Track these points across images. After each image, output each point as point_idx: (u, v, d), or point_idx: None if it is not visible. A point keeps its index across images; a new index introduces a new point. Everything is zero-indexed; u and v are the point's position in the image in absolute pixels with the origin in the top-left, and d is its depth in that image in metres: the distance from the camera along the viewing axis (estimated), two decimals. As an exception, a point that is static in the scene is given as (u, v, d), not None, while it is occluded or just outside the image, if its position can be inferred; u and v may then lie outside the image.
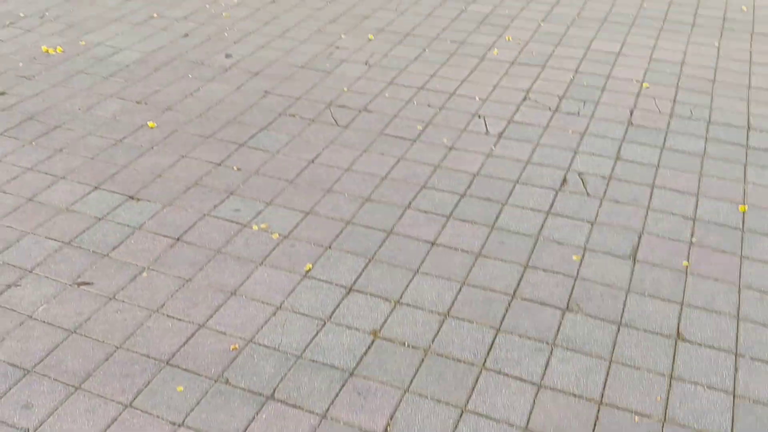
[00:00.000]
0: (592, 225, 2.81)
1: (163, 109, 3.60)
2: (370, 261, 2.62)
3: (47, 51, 4.16)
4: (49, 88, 3.78)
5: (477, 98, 3.73)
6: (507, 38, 4.39)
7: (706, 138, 3.38)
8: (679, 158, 3.23)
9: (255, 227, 2.78)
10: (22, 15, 4.66)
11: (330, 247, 2.68)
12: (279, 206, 2.90)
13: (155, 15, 4.70)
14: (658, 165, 3.18)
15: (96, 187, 3.00)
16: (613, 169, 3.15)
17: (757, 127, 3.47)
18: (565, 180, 3.08)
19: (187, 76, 3.93)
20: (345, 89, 3.81)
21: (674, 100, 3.70)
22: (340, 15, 4.73)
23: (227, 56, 4.17)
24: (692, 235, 2.76)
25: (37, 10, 4.74)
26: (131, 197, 2.94)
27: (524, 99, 3.72)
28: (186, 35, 4.42)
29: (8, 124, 3.44)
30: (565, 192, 3.00)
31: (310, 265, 2.59)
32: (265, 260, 2.61)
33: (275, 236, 2.74)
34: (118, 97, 3.71)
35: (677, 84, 3.86)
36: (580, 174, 3.12)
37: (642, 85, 3.84)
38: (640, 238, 2.75)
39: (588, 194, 2.99)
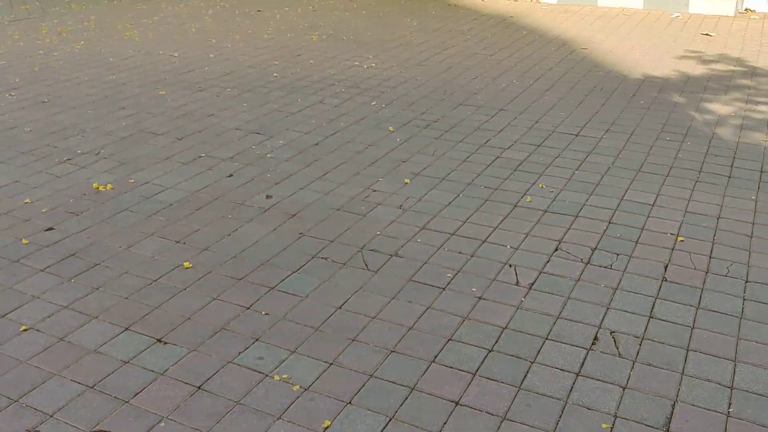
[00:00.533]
0: (623, 389, 2.71)
1: (200, 249, 3.70)
2: (390, 420, 2.55)
3: (98, 188, 4.38)
4: (95, 224, 3.94)
5: (508, 246, 3.74)
6: (540, 186, 4.45)
7: (744, 298, 3.28)
8: (716, 319, 3.13)
9: (276, 377, 2.76)
10: (79, 152, 4.95)
11: (350, 403, 2.63)
12: (303, 355, 2.89)
13: (203, 155, 4.94)
14: (693, 325, 3.08)
15: (126, 329, 3.04)
16: (646, 328, 3.07)
17: (798, 287, 3.38)
18: (596, 338, 3.01)
19: (227, 216, 4.07)
20: (377, 233, 3.87)
21: (710, 256, 3.64)
22: (379, 158, 4.89)
23: (267, 197, 4.31)
24: (729, 406, 2.63)
25: (93, 147, 5.04)
26: (159, 340, 2.97)
27: (556, 249, 3.71)
28: (230, 175, 4.61)
29: (51, 260, 3.57)
30: (596, 351, 2.92)
31: (329, 422, 2.53)
32: (284, 414, 2.57)
33: (296, 388, 2.71)
34: (158, 235, 3.84)
35: (713, 239, 3.82)
36: (611, 332, 3.04)
37: (677, 238, 3.81)
38: (674, 406, 2.63)
39: (620, 355, 2.90)
